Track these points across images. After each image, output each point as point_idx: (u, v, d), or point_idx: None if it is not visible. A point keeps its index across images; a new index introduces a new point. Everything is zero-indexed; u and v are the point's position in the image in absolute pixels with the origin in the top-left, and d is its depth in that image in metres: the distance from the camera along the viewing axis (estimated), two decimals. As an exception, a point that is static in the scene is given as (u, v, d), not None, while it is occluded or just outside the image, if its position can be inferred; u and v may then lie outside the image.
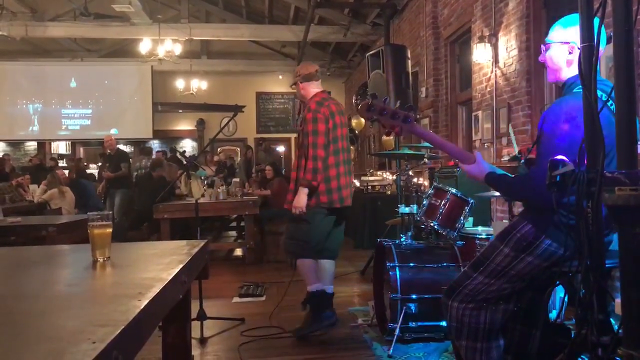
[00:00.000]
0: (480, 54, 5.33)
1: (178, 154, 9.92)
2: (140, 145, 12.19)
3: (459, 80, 6.73)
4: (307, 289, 3.32)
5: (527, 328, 1.94)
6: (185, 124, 14.55)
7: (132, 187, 7.96)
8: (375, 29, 9.75)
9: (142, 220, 6.53)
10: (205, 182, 8.04)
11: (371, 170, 9.73)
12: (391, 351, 2.89)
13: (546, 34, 2.00)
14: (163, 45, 9.97)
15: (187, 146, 14.57)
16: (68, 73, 12.89)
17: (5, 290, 1.30)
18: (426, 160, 3.94)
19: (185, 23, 11.07)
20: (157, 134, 13.38)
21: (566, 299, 1.81)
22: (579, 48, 1.43)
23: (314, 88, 3.45)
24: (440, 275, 3.05)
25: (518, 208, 3.49)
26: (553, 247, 1.79)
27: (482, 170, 1.92)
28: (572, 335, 1.61)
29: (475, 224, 3.72)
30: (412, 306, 2.96)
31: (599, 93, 1.54)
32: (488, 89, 5.39)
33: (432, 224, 3.15)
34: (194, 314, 3.02)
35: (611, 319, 1.37)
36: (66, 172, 8.56)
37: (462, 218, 3.13)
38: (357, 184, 7.84)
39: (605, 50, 1.91)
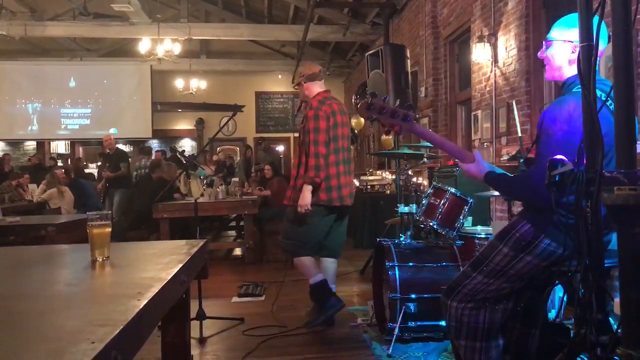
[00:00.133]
0: (480, 53, 5.33)
1: (177, 154, 9.92)
2: (139, 144, 12.19)
3: (458, 80, 6.73)
4: (310, 282, 3.34)
5: (526, 327, 1.94)
6: (184, 124, 14.55)
7: (132, 187, 7.96)
8: (374, 28, 9.74)
9: (141, 220, 6.52)
10: (205, 181, 8.05)
11: (370, 170, 9.75)
12: (390, 351, 2.89)
13: (546, 33, 2.00)
14: (162, 44, 9.96)
15: (187, 146, 14.54)
16: (67, 73, 12.86)
17: (4, 290, 1.30)
18: (425, 159, 3.95)
19: (185, 22, 11.05)
20: (157, 134, 13.36)
21: (565, 299, 1.81)
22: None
23: (317, 88, 3.49)
24: (439, 275, 3.05)
25: (517, 207, 3.49)
26: (552, 246, 1.79)
27: (481, 170, 1.92)
28: (571, 335, 1.61)
29: (474, 224, 3.72)
30: (412, 306, 2.96)
31: (598, 93, 1.54)
32: (487, 89, 5.39)
33: (431, 224, 3.15)
34: (193, 314, 3.03)
35: (610, 319, 1.37)
36: (63, 171, 8.54)
37: (461, 217, 3.13)
38: (357, 183, 7.84)
39: (606, 49, 1.90)
